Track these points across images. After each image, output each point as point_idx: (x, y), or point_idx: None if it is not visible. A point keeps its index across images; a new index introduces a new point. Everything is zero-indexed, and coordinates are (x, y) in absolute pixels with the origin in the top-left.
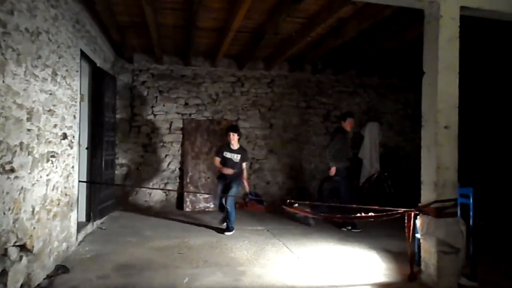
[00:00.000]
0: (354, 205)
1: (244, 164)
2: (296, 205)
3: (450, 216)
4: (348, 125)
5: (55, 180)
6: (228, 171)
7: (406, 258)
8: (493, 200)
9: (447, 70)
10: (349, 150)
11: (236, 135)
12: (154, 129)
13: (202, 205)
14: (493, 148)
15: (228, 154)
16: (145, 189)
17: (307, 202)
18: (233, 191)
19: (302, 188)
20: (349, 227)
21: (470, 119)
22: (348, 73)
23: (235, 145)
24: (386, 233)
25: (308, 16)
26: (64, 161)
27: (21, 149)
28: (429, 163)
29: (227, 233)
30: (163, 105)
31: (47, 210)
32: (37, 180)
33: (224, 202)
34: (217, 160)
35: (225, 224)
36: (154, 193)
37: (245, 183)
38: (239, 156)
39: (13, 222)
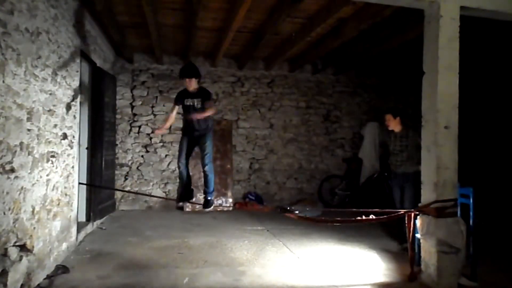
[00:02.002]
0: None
1: (207, 105)
2: (297, 212)
3: (450, 216)
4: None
5: (55, 180)
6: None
7: (406, 258)
8: (493, 200)
9: (447, 70)
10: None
11: (193, 80)
12: (154, 129)
13: None
14: (493, 148)
15: (189, 101)
16: (144, 189)
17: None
18: (209, 148)
19: (302, 188)
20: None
21: (470, 119)
22: (348, 73)
23: (192, 89)
24: (386, 233)
25: (308, 16)
26: (64, 161)
27: (21, 149)
28: (429, 163)
29: (207, 209)
30: (163, 105)
31: (47, 210)
32: (37, 180)
33: (202, 167)
34: (174, 109)
35: (181, 203)
36: (154, 193)
37: (201, 114)
38: (199, 100)
39: (13, 222)
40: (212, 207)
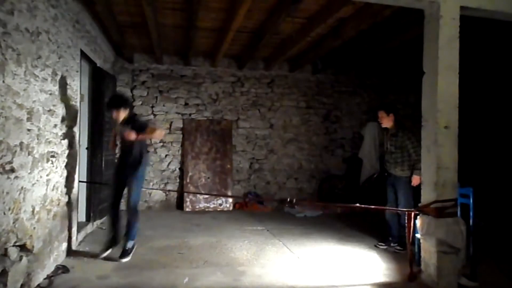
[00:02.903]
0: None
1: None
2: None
3: (450, 216)
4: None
5: (55, 180)
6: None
7: (406, 258)
8: (493, 200)
9: (447, 70)
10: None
11: (120, 110)
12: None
13: (202, 205)
14: (493, 148)
15: (121, 128)
16: (144, 189)
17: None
18: (136, 184)
19: (302, 188)
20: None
21: (470, 119)
22: (348, 73)
23: (120, 119)
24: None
25: (308, 16)
26: (64, 161)
27: (21, 149)
28: (429, 163)
29: (123, 260)
30: (163, 105)
31: (47, 210)
32: (37, 180)
33: (126, 206)
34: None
35: (105, 253)
36: (154, 193)
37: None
38: (126, 128)
39: (13, 222)
40: (129, 257)
